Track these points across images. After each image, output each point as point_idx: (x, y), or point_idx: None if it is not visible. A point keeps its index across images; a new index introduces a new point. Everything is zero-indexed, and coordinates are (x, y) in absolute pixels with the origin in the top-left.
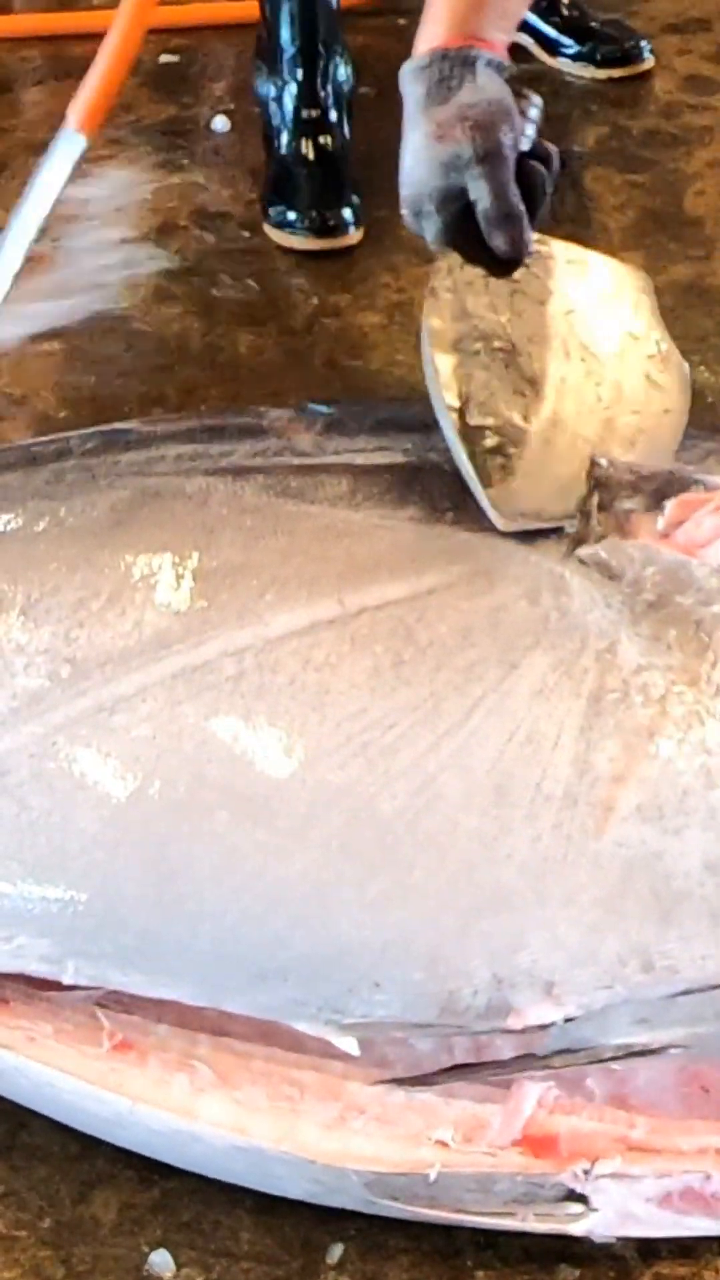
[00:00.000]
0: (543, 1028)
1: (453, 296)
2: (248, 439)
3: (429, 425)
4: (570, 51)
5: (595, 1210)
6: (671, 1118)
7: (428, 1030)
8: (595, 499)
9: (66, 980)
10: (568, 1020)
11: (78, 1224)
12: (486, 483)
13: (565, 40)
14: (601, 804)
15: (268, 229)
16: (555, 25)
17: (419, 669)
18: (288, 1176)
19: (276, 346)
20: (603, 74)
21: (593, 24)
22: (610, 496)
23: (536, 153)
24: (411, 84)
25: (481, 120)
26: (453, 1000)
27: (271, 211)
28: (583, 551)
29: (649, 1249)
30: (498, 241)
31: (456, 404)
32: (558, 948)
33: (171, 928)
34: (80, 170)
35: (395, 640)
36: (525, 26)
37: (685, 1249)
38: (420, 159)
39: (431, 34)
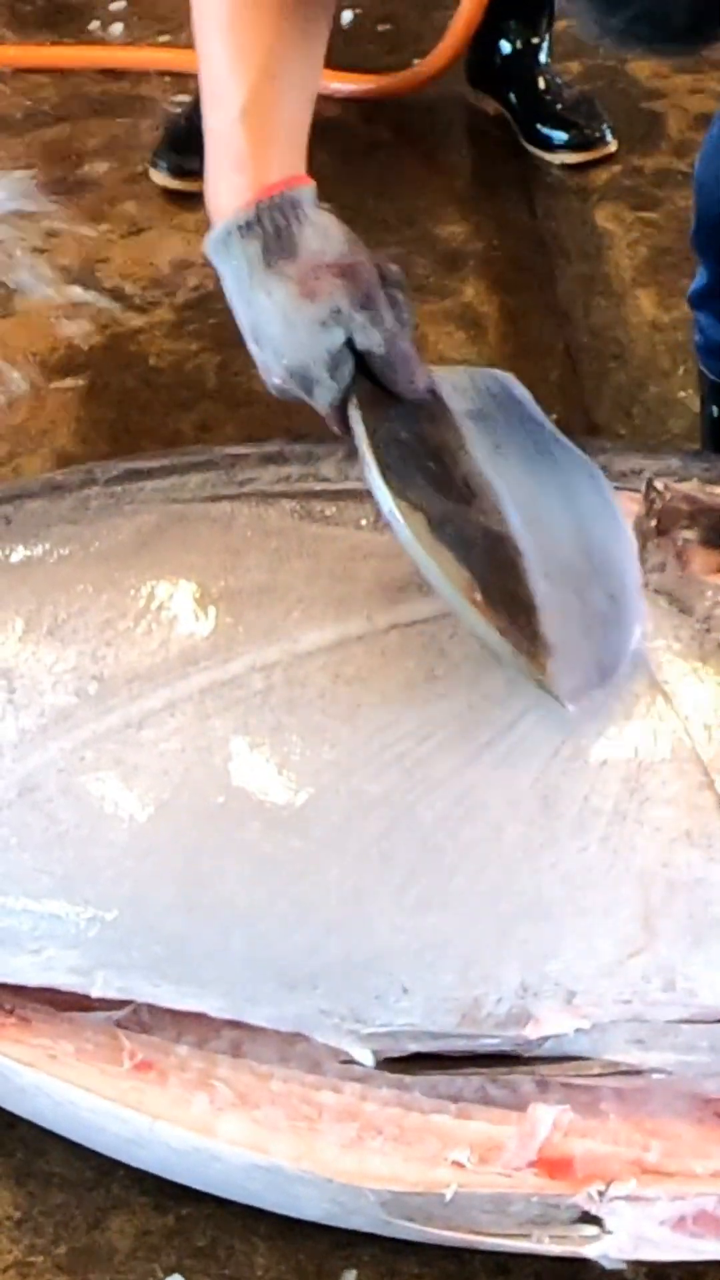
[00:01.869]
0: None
1: (395, 475)
2: (271, 466)
3: None
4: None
5: (609, 1233)
6: (686, 1141)
7: (444, 1041)
8: (654, 524)
9: (95, 993)
10: (577, 1031)
11: (93, 1250)
12: (540, 669)
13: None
14: (650, 823)
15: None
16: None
17: (454, 683)
18: (305, 1196)
19: None
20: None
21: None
22: (669, 523)
23: (387, 278)
24: (240, 247)
25: (343, 264)
26: (476, 1007)
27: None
28: (654, 580)
29: (661, 1275)
30: (404, 386)
31: (477, 596)
32: (590, 958)
33: (201, 936)
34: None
35: (428, 656)
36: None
37: (696, 1275)
38: (294, 323)
39: (235, 185)
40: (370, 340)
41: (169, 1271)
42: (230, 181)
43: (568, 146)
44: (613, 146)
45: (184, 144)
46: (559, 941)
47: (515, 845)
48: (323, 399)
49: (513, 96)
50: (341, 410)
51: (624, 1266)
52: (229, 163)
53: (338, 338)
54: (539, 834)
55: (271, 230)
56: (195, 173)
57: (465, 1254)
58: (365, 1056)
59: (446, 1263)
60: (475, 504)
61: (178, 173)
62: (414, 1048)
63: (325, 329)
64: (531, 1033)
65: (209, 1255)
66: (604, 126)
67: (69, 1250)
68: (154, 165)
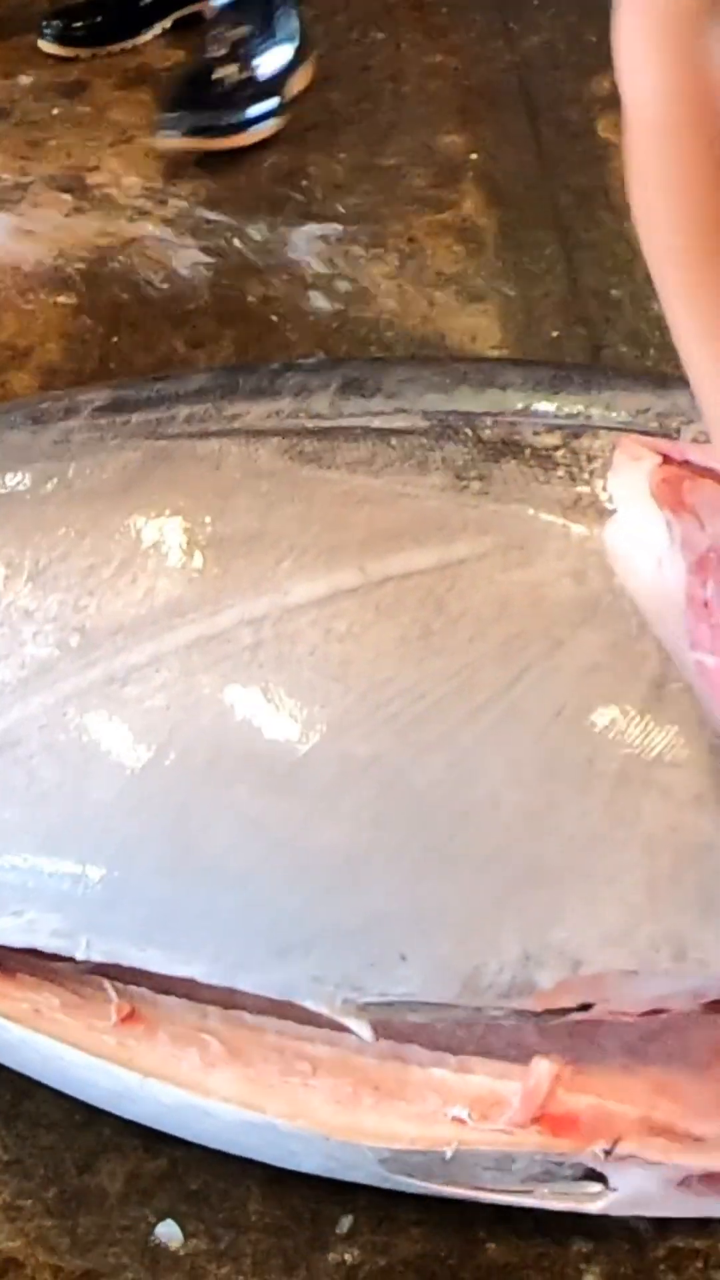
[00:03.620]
0: (563, 1011)
1: None
2: (262, 399)
3: (447, 385)
4: None
5: (614, 1190)
6: (693, 1101)
7: (444, 1012)
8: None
9: (79, 956)
10: (584, 1007)
11: (84, 1194)
12: None
13: None
14: (659, 787)
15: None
16: None
17: (451, 640)
18: (302, 1152)
19: (286, 298)
20: None
21: None
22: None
23: None
24: None
25: None
26: (477, 976)
27: None
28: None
29: (663, 1222)
30: None
31: None
32: (594, 926)
33: (189, 900)
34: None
35: (424, 610)
36: None
37: (700, 1222)
38: None
39: None
40: None
41: (161, 1216)
42: None
43: None
44: None
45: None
46: (562, 909)
47: (515, 809)
48: None
49: None
50: None
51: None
52: None
53: None
54: (539, 798)
55: None
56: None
57: (464, 1201)
58: (362, 1029)
59: (445, 1208)
60: None
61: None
62: (413, 1019)
63: None
64: (535, 1005)
65: (202, 1200)
66: None
67: (58, 1193)
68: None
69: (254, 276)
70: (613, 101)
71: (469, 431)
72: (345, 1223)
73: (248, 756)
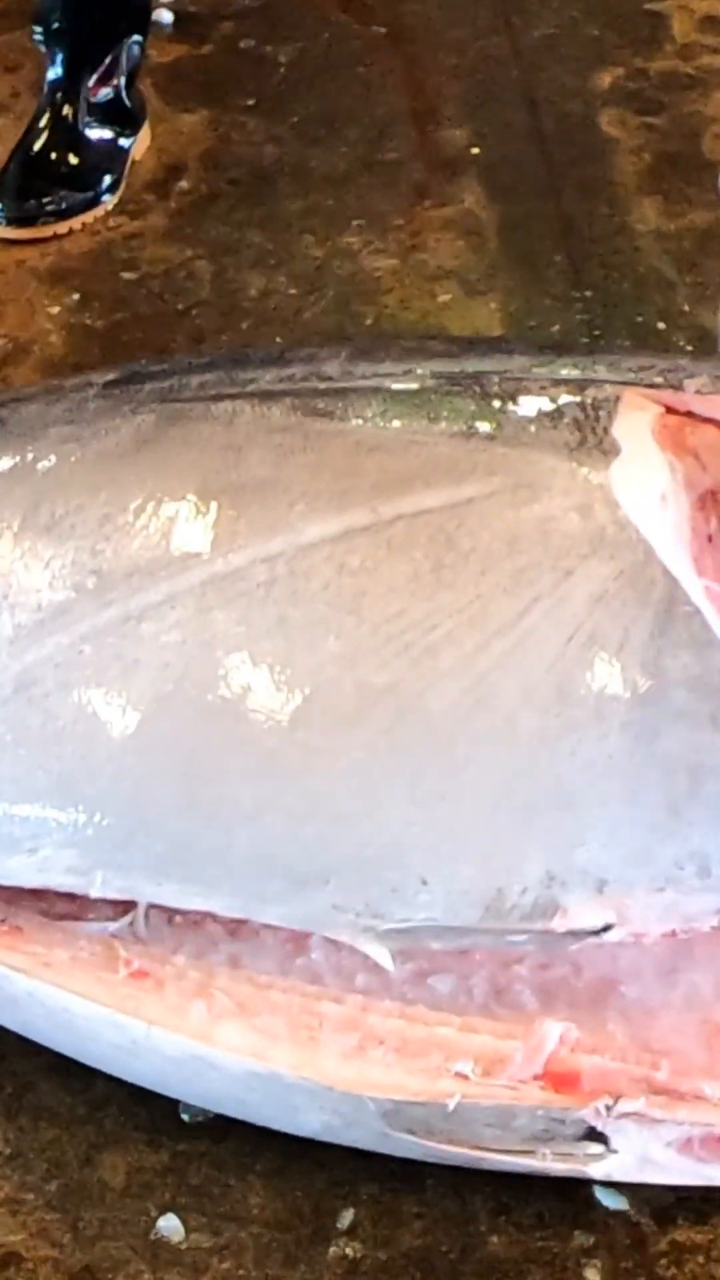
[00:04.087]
0: (585, 933)
1: None
2: (273, 367)
3: (455, 353)
4: None
5: (614, 1152)
6: (696, 1062)
7: (466, 938)
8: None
9: (95, 893)
10: (607, 927)
11: (85, 1187)
12: None
13: None
14: (673, 707)
15: None
16: None
17: (462, 573)
18: (304, 1106)
19: (287, 291)
20: None
21: None
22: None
23: None
24: None
25: None
26: (500, 899)
27: None
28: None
29: (665, 1216)
30: None
31: None
32: (616, 846)
33: (205, 834)
34: None
35: (435, 546)
36: None
37: (702, 1216)
38: None
39: None
40: None
41: (162, 1210)
42: None
43: None
44: None
45: None
46: (583, 830)
47: (531, 734)
48: None
49: None
50: None
51: (626, 1207)
52: None
53: None
54: (555, 722)
55: None
56: None
57: (465, 1193)
58: (383, 955)
59: (447, 1202)
60: None
61: None
62: (435, 945)
63: None
64: (559, 925)
65: (203, 1193)
66: None
67: (60, 1187)
68: None
69: (256, 271)
70: (614, 95)
71: (477, 387)
72: (346, 1216)
73: (263, 690)
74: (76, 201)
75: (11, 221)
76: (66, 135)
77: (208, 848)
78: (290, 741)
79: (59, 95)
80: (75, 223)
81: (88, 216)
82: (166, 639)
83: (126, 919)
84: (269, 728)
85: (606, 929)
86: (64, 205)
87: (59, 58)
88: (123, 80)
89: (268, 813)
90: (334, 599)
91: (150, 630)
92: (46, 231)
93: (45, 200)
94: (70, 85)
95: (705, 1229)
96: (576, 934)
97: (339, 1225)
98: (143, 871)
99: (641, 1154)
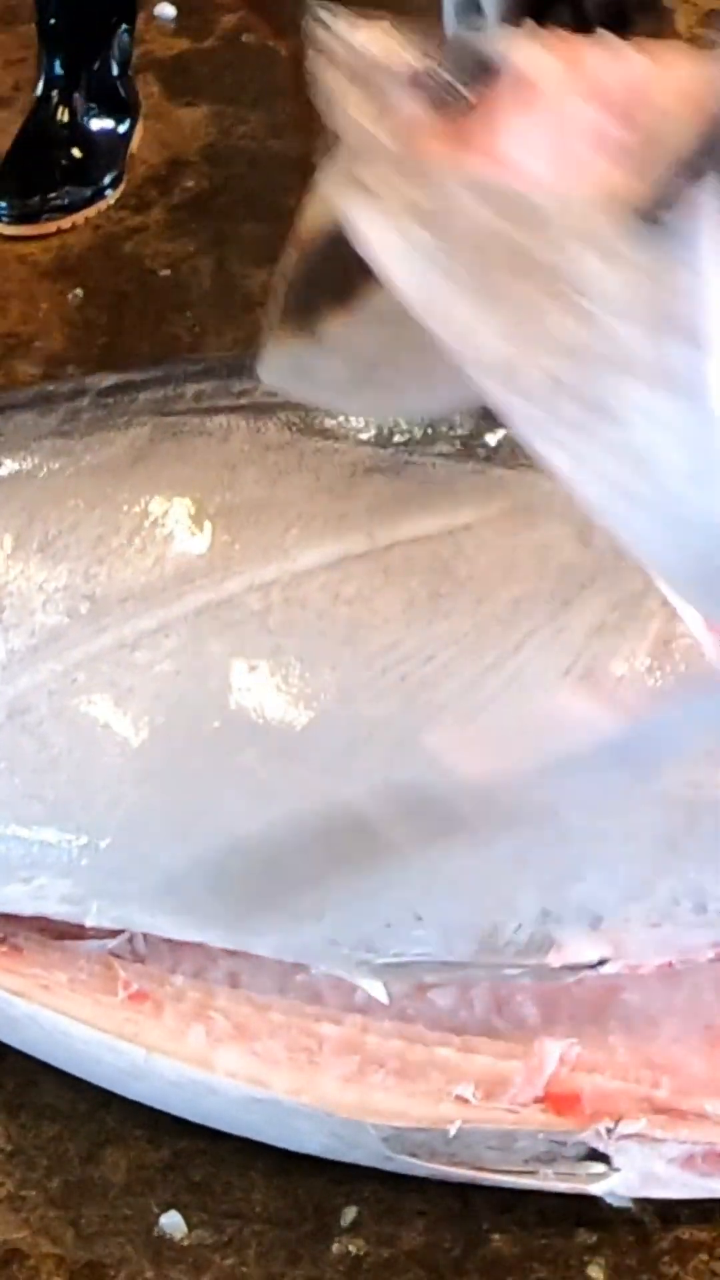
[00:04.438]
0: (581, 967)
1: None
2: None
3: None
4: None
5: (617, 1170)
6: (698, 1078)
7: (461, 971)
8: None
9: (89, 922)
10: (602, 961)
11: (87, 1184)
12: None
13: None
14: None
15: None
16: None
17: (458, 602)
18: (306, 1130)
19: None
20: None
21: None
22: None
23: None
24: None
25: None
26: (494, 935)
27: None
28: None
29: (668, 1214)
30: None
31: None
32: (612, 881)
33: (199, 866)
34: None
35: (431, 574)
36: None
37: (705, 1213)
38: None
39: None
40: None
41: (164, 1207)
42: None
43: None
44: None
45: None
46: (579, 866)
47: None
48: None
49: None
50: None
51: (630, 1205)
52: None
53: None
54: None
55: None
56: None
57: (468, 1192)
58: (377, 990)
59: (449, 1201)
60: None
61: None
62: (429, 979)
63: None
64: (554, 960)
65: (205, 1191)
66: None
67: (62, 1184)
68: None
69: (259, 266)
70: None
71: (475, 404)
72: (349, 1214)
73: (257, 721)
74: (80, 196)
75: (16, 218)
76: (68, 129)
77: (201, 879)
78: (284, 775)
79: (58, 90)
80: (79, 218)
81: (90, 211)
82: (160, 668)
83: (125, 936)
84: (262, 761)
85: (602, 963)
86: (67, 200)
87: (56, 52)
88: (117, 70)
89: (262, 846)
90: (329, 629)
91: (144, 658)
92: (50, 227)
93: (50, 196)
94: (69, 79)
95: (709, 1226)
96: (572, 968)
97: (341, 1222)
98: (136, 902)
99: (644, 1171)
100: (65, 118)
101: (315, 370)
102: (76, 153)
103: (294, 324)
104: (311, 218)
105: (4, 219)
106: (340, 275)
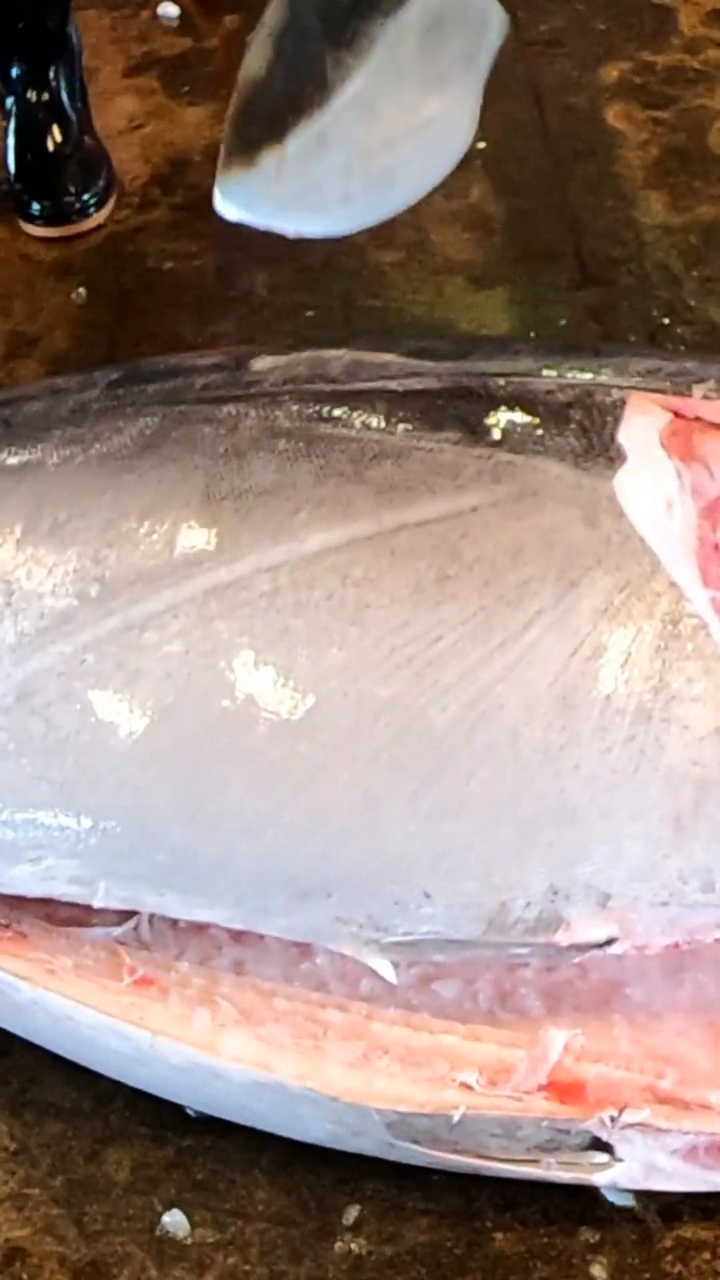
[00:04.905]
0: (588, 946)
1: None
2: (277, 368)
3: (462, 353)
4: None
5: (620, 1160)
6: (701, 1070)
7: (469, 951)
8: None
9: (97, 903)
10: (609, 941)
11: (90, 1182)
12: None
13: None
14: (678, 722)
15: None
16: None
17: (466, 584)
18: (310, 1117)
19: (293, 285)
20: None
21: None
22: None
23: None
24: None
25: None
26: (503, 913)
27: None
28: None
29: (670, 1212)
30: None
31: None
32: (620, 860)
33: (208, 846)
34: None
35: (439, 557)
36: None
37: (708, 1212)
38: None
39: None
40: None
41: (168, 1205)
42: None
43: None
44: None
45: None
46: (587, 844)
47: (534, 748)
48: None
49: None
50: None
51: (632, 1203)
52: None
53: None
54: (558, 736)
55: None
56: None
57: (471, 1190)
58: (385, 968)
59: (452, 1198)
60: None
61: None
62: (438, 958)
63: None
64: (562, 938)
65: (209, 1189)
66: None
67: (66, 1182)
68: None
69: (262, 265)
70: (621, 89)
71: (482, 390)
72: (352, 1212)
73: (264, 702)
74: (98, 192)
75: (49, 220)
76: (73, 128)
77: (210, 859)
78: (292, 755)
79: (56, 91)
80: (100, 217)
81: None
82: (169, 649)
83: (131, 923)
84: (271, 739)
85: (609, 942)
86: (89, 198)
87: (48, 57)
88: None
89: (270, 825)
90: (337, 610)
91: (153, 640)
92: (83, 227)
93: (83, 193)
94: (63, 77)
95: (711, 1225)
96: (579, 947)
97: (344, 1221)
98: (145, 882)
99: (647, 1162)
100: (66, 115)
101: (260, 197)
102: (82, 148)
103: (240, 157)
104: (247, 66)
105: (38, 221)
106: (274, 112)
